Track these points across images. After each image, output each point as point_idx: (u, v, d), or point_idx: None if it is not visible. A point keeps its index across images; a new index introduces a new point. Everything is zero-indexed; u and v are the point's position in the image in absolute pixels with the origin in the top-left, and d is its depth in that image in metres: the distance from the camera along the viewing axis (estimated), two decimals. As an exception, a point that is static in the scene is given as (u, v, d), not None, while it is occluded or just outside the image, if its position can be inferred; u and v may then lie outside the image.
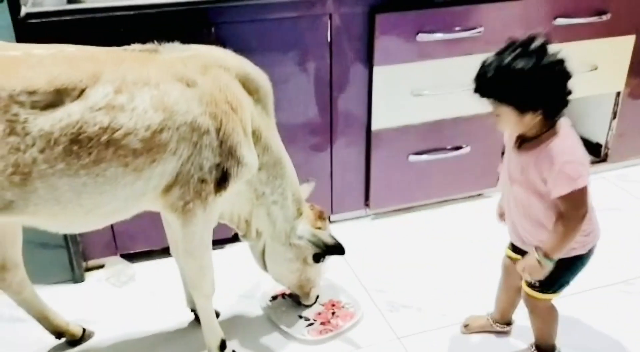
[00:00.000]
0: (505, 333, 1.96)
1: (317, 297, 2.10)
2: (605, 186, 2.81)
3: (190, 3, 2.00)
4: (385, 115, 2.37)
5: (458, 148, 2.52)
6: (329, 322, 2.02)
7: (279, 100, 2.03)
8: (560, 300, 2.12)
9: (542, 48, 1.46)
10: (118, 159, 1.44)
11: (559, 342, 1.83)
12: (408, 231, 2.53)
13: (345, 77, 2.28)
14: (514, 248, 1.78)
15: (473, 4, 2.29)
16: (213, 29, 2.01)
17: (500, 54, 1.50)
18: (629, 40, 2.63)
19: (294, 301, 2.11)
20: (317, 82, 2.25)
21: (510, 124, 1.53)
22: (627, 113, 2.80)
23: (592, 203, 1.58)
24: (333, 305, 2.10)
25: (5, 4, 1.82)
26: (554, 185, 1.49)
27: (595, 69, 2.60)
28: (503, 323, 1.95)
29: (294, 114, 2.26)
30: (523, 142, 1.57)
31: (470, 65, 2.36)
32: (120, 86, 1.44)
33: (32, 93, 1.36)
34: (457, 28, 2.29)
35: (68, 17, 1.88)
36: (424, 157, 2.49)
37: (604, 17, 2.49)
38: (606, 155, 2.89)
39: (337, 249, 1.86)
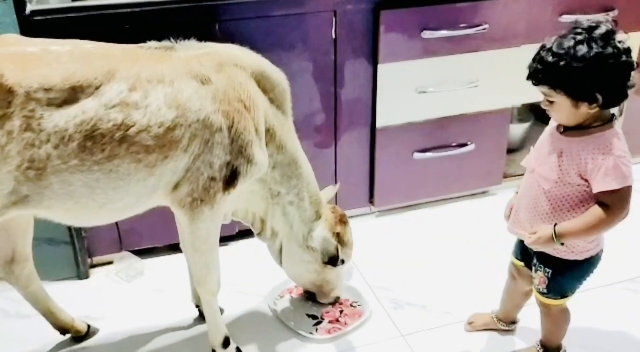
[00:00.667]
0: (509, 331, 1.96)
1: (338, 298, 2.08)
2: (610, 184, 2.80)
3: None
4: (390, 113, 2.36)
5: (463, 145, 2.51)
6: (337, 320, 2.02)
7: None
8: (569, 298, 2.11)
9: (608, 35, 1.38)
10: (131, 156, 1.46)
11: (565, 340, 1.82)
12: (412, 228, 2.53)
13: (349, 74, 2.27)
14: (518, 255, 1.76)
15: (478, 0, 2.28)
16: (217, 26, 2.01)
17: (561, 38, 1.40)
18: (636, 37, 2.59)
19: (302, 298, 2.11)
20: (321, 79, 2.24)
21: (564, 114, 1.45)
22: (632, 111, 2.77)
23: None
24: (341, 303, 2.09)
25: (10, 1, 1.82)
26: (604, 177, 1.41)
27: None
28: (507, 322, 1.94)
29: (298, 110, 2.22)
30: (569, 128, 1.49)
31: (475, 62, 2.39)
32: (134, 84, 1.46)
33: (48, 90, 1.38)
34: (462, 25, 2.28)
35: (73, 14, 1.88)
36: (429, 154, 2.48)
37: (611, 14, 2.47)
38: (612, 152, 2.87)
39: (332, 260, 1.88)
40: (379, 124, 2.37)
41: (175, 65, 1.53)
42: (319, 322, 2.01)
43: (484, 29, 2.30)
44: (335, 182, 2.43)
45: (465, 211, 2.61)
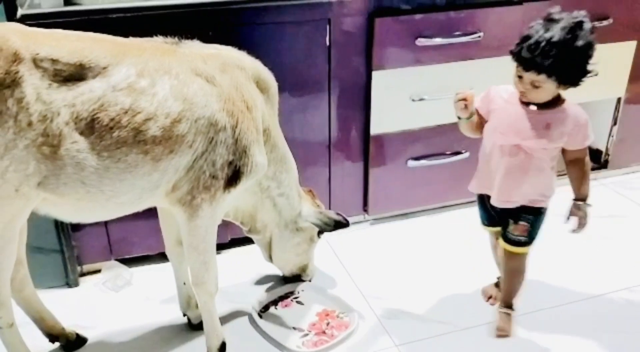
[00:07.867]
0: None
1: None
2: (605, 193, 2.79)
3: (188, 6, 1.99)
4: (384, 120, 2.35)
5: (457, 153, 2.50)
6: (324, 332, 1.98)
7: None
8: (564, 307, 2.10)
9: (591, 29, 1.62)
10: (138, 145, 1.48)
11: (563, 348, 1.80)
12: (407, 236, 2.51)
13: (344, 82, 2.26)
14: (485, 221, 1.93)
15: (473, 8, 2.28)
16: (211, 33, 2.00)
17: (557, 30, 1.59)
18: (630, 46, 2.61)
19: (287, 311, 2.08)
20: (315, 87, 2.23)
21: (544, 94, 1.66)
22: (627, 119, 2.78)
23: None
24: (327, 315, 2.06)
25: (1, 6, 1.80)
26: (582, 138, 1.72)
27: (596, 74, 2.56)
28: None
29: (291, 118, 2.24)
30: (543, 105, 1.70)
31: (469, 70, 2.38)
32: (142, 70, 1.48)
33: (55, 61, 1.40)
34: (456, 33, 2.28)
35: (65, 19, 1.86)
36: (423, 162, 2.47)
37: (605, 23, 2.48)
38: (606, 161, 2.87)
39: (344, 223, 1.98)
40: (373, 131, 2.36)
41: (180, 60, 1.56)
42: (305, 335, 1.98)
43: (479, 37, 2.30)
44: (329, 190, 2.43)
45: (460, 219, 2.59)
